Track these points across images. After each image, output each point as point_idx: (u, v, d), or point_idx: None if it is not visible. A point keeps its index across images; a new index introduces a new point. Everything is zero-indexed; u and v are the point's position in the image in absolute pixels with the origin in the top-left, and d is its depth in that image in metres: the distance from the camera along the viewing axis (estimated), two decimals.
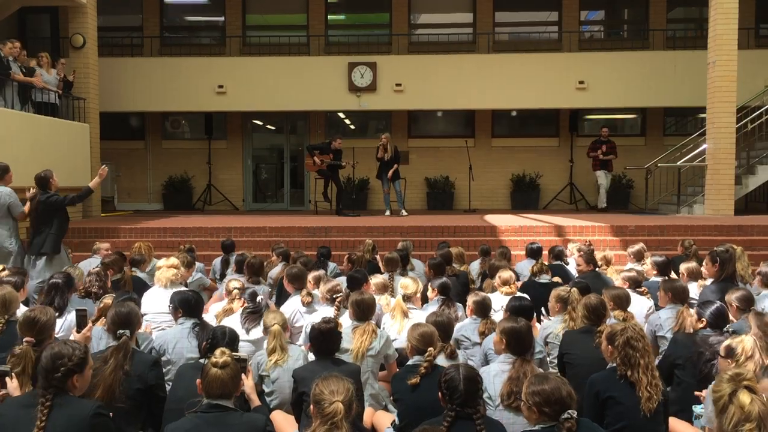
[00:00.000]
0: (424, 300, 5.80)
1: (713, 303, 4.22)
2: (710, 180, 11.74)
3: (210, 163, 15.30)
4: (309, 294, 5.42)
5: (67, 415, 2.81)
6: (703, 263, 5.96)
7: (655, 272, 6.19)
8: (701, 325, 4.19)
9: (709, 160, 11.77)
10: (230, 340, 3.77)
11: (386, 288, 5.90)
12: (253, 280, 6.30)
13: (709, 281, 5.78)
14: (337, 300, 5.05)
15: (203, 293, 6.53)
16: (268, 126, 16.61)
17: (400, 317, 5.09)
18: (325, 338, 3.90)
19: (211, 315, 5.34)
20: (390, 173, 12.30)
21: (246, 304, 4.97)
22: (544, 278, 6.33)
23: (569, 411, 2.74)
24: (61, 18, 14.33)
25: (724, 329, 3.98)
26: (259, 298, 4.93)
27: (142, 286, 6.08)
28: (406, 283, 5.42)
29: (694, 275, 5.97)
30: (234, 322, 4.83)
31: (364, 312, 4.49)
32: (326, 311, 5.10)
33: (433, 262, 6.62)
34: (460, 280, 6.87)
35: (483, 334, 4.63)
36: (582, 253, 7.65)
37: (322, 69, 14.26)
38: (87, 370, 3.00)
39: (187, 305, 4.51)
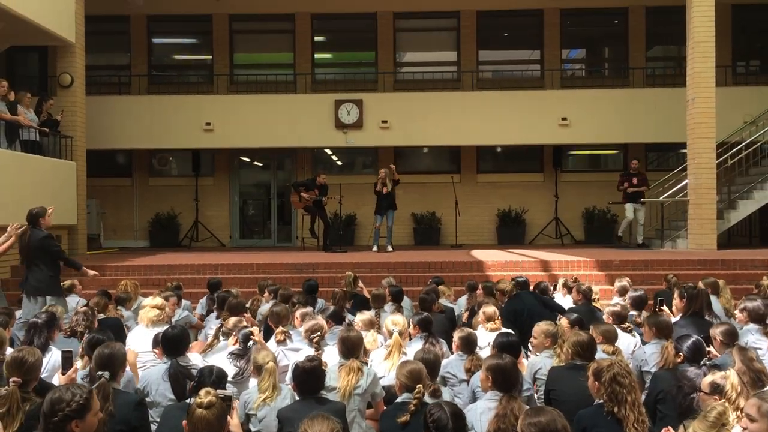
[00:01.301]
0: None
1: (690, 337, 4.25)
2: (693, 214, 11.89)
3: (197, 199, 15.30)
4: (283, 332, 5.39)
5: None
6: (673, 299, 6.08)
7: (630, 307, 6.24)
8: (679, 360, 4.22)
9: (691, 195, 11.94)
10: (217, 378, 3.74)
11: (373, 324, 5.88)
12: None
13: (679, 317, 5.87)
14: (314, 340, 5.00)
15: (189, 331, 6.47)
16: (255, 162, 16.66)
17: (395, 355, 5.05)
18: (309, 377, 3.87)
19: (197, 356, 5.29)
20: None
21: (237, 344, 4.93)
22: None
23: None
24: (50, 57, 14.43)
25: (702, 363, 4.01)
26: (249, 343, 4.87)
27: (118, 327, 6.02)
28: (397, 320, 5.39)
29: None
30: (220, 360, 4.79)
31: (350, 349, 4.47)
32: (310, 350, 5.07)
33: (420, 297, 6.63)
34: (447, 315, 6.87)
35: (469, 371, 4.62)
36: (575, 286, 7.69)
37: (309, 106, 14.40)
38: (89, 417, 2.95)
39: (168, 344, 4.47)
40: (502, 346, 4.48)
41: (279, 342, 5.31)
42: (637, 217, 13.03)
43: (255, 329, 5.22)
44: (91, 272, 7.29)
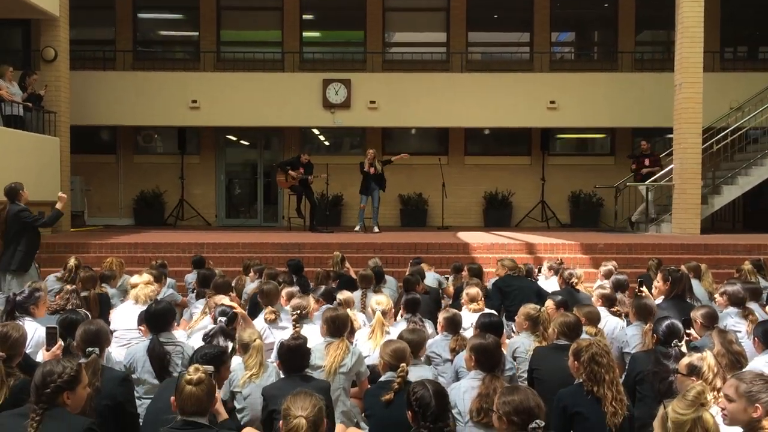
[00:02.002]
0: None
1: (666, 320, 4.33)
2: (677, 199, 12.00)
3: (183, 178, 15.22)
4: (272, 312, 5.42)
5: (58, 428, 2.91)
6: (655, 281, 6.18)
7: (610, 290, 6.33)
8: (654, 342, 4.30)
9: (676, 180, 12.05)
10: (212, 357, 3.77)
11: (350, 304, 5.93)
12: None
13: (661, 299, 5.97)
14: (294, 318, 5.04)
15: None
16: (242, 141, 16.57)
17: (379, 334, 5.10)
18: (293, 355, 3.91)
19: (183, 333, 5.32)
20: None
21: (219, 323, 4.92)
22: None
23: (537, 420, 2.81)
24: (33, 31, 14.19)
25: (672, 344, 4.08)
26: (221, 319, 4.87)
27: (106, 304, 6.03)
28: (381, 300, 5.45)
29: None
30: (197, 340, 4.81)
31: (339, 328, 4.51)
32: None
33: (405, 279, 6.68)
34: (432, 296, 6.93)
35: (454, 351, 4.68)
36: (552, 270, 7.80)
37: (297, 85, 14.32)
38: (80, 389, 3.09)
39: (152, 320, 4.48)
40: (485, 326, 4.54)
41: (270, 321, 5.35)
42: (648, 199, 13.01)
43: (234, 304, 5.24)
44: (63, 196, 7.40)
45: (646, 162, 13.20)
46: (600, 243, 10.12)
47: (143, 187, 15.28)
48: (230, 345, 4.49)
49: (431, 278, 7.66)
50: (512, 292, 6.70)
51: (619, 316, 5.66)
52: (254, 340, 4.25)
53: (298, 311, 5.08)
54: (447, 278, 7.83)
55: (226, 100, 14.20)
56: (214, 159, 15.69)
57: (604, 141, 16.25)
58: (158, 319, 4.47)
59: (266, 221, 15.73)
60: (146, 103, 14.12)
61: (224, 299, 5.50)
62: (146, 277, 5.81)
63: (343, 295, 5.91)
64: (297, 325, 4.96)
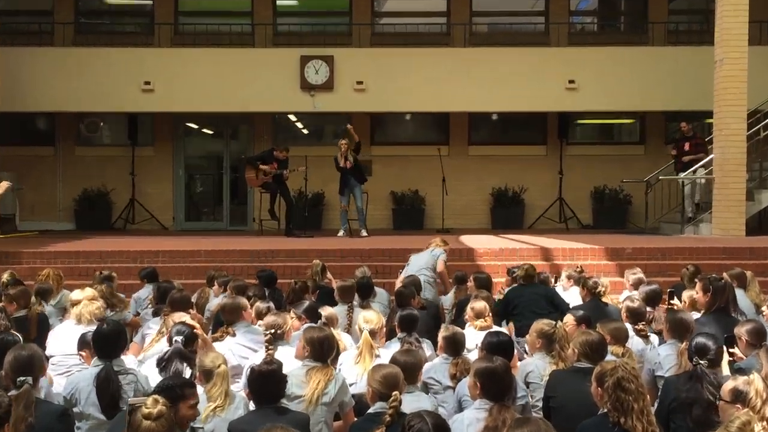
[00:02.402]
0: (390, 336, 5.84)
1: (701, 336, 4.34)
2: (718, 195, 12.05)
3: (134, 173, 15.16)
4: (225, 331, 5.45)
5: None
6: (691, 292, 6.19)
7: (641, 302, 6.35)
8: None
9: (716, 172, 12.10)
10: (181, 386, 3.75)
11: (335, 321, 5.92)
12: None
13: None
14: (266, 339, 5.03)
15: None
16: (205, 130, 16.51)
17: (367, 357, 5.09)
18: (266, 382, 3.90)
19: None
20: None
21: (176, 344, 4.90)
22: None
23: None
24: None
25: (694, 362, 4.09)
26: (178, 338, 4.86)
27: (44, 325, 6.00)
28: (369, 317, 5.43)
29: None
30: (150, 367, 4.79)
31: (325, 352, 4.51)
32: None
33: (398, 291, 6.68)
34: (430, 312, 6.93)
35: (455, 377, 4.68)
36: (581, 279, 7.79)
37: (270, 63, 14.29)
38: (6, 429, 3.05)
39: (101, 343, 4.46)
40: (492, 346, 4.54)
41: (216, 339, 5.37)
42: (684, 193, 12.96)
43: (194, 323, 5.22)
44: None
45: (686, 147, 13.12)
46: (628, 247, 10.14)
47: (86, 184, 15.21)
48: (189, 370, 4.47)
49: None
50: (520, 303, 6.76)
51: (645, 336, 5.66)
52: (218, 366, 4.23)
53: (272, 330, 5.06)
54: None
55: (186, 80, 14.16)
56: (171, 151, 15.64)
57: (632, 127, 16.30)
58: (108, 342, 4.45)
59: (234, 225, 15.69)
60: (90, 86, 14.05)
61: (184, 317, 5.49)
62: (89, 292, 5.76)
63: (325, 311, 5.89)
64: (270, 347, 4.95)
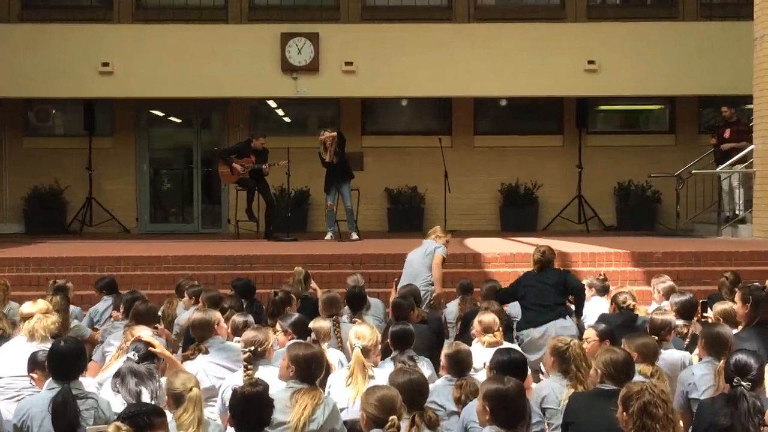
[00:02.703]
0: (387, 353, 5.85)
1: (737, 354, 4.34)
2: (759, 191, 12.08)
3: (91, 168, 15.13)
4: (197, 348, 5.47)
5: None
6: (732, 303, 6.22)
7: (674, 315, 6.38)
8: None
9: (757, 165, 12.13)
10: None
11: (326, 336, 5.92)
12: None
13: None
14: (244, 357, 5.03)
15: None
16: (172, 118, 16.48)
17: (359, 378, 5.09)
18: (250, 406, 3.90)
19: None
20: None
21: (127, 361, 4.88)
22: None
23: None
24: None
25: (734, 382, 4.10)
26: (131, 354, 4.85)
27: None
28: (362, 332, 5.42)
29: (732, 319, 6.16)
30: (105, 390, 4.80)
31: (314, 372, 4.53)
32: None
33: (394, 302, 6.68)
34: (432, 326, 6.94)
35: (460, 401, 4.68)
36: (594, 288, 7.83)
37: (246, 42, 14.27)
38: None
39: (58, 363, 4.45)
40: (503, 365, 4.55)
41: (186, 357, 5.37)
42: (731, 185, 12.97)
43: (154, 340, 5.22)
44: None
45: (727, 134, 13.03)
46: (657, 252, 10.16)
47: (37, 181, 15.17)
48: (144, 391, 4.49)
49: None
50: (528, 293, 7.01)
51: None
52: (189, 389, 4.24)
53: (252, 348, 5.06)
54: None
55: (150, 62, 14.12)
56: (133, 143, 15.61)
57: (660, 114, 16.34)
58: (67, 361, 4.46)
59: (206, 227, 15.69)
60: (40, 67, 14.00)
61: (144, 331, 5.50)
62: (42, 304, 5.75)
63: (315, 323, 5.90)
64: (249, 366, 4.95)
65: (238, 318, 6.00)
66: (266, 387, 4.04)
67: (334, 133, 12.62)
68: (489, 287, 7.70)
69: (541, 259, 7.32)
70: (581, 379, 4.74)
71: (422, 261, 8.43)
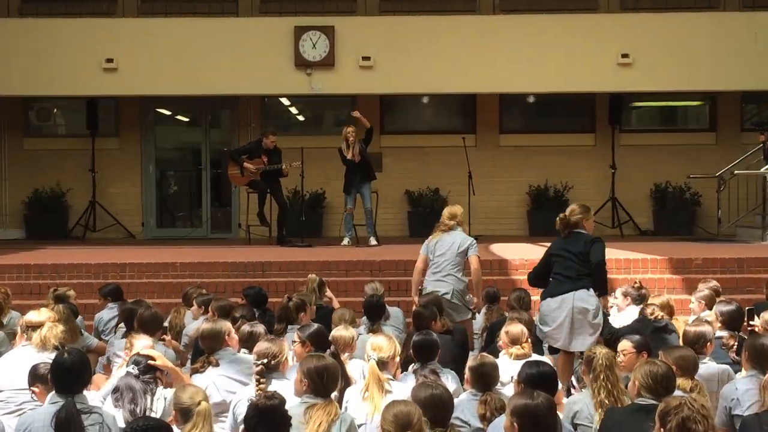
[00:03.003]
0: (406, 365, 5.86)
1: None
2: None
3: (94, 170, 15.21)
4: (206, 361, 5.50)
5: None
6: None
7: (720, 325, 6.34)
8: None
9: None
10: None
11: (349, 345, 5.94)
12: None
13: None
14: (256, 370, 5.05)
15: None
16: (180, 117, 16.56)
17: (375, 393, 5.10)
18: (265, 421, 3.91)
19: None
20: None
21: (126, 376, 4.91)
22: None
23: None
24: None
25: None
26: (131, 368, 4.88)
27: None
28: (379, 343, 5.43)
29: None
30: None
31: (327, 385, 4.54)
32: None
33: (415, 312, 6.68)
34: (457, 337, 6.94)
35: (485, 418, 4.68)
36: (629, 297, 7.80)
37: (257, 36, 14.30)
38: None
39: (62, 376, 4.48)
40: (532, 379, 4.54)
41: (196, 370, 5.38)
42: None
43: (155, 352, 5.25)
44: None
45: None
46: (697, 258, 10.13)
47: (38, 184, 15.27)
48: (137, 409, 4.51)
49: None
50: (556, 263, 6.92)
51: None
52: (198, 403, 4.26)
53: (265, 360, 5.08)
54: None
55: (156, 57, 14.18)
56: (139, 143, 15.69)
57: (701, 111, 16.24)
58: (71, 374, 4.48)
59: (216, 232, 15.73)
60: (41, 64, 14.10)
61: (143, 341, 5.54)
62: (46, 313, 5.79)
63: (336, 332, 5.93)
64: (262, 380, 4.97)
65: (245, 327, 6.02)
66: (283, 401, 4.05)
67: (353, 128, 12.60)
68: (516, 296, 7.69)
69: (563, 222, 7.02)
70: (614, 391, 4.72)
71: (453, 250, 8.07)
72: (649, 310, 6.89)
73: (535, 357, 5.72)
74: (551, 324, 6.66)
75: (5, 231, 15.39)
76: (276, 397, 4.03)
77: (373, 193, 13.02)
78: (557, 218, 7.06)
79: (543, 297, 6.95)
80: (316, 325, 6.13)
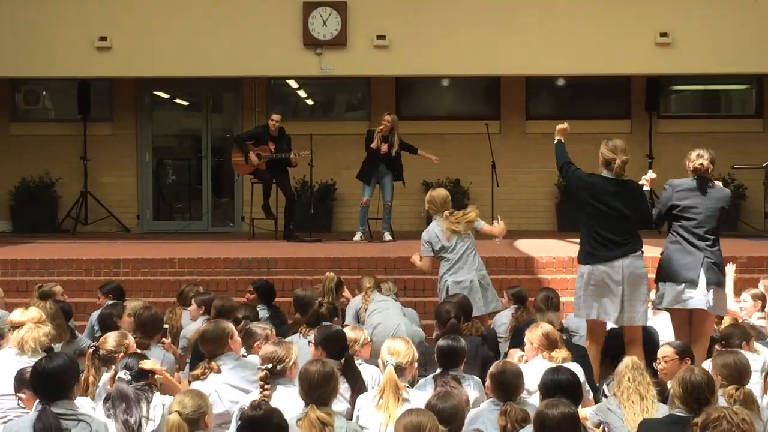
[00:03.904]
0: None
1: None
2: None
3: (86, 158, 15.26)
4: (207, 367, 5.51)
5: None
6: None
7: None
8: None
9: None
10: None
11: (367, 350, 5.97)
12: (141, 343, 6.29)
13: None
14: (260, 375, 5.07)
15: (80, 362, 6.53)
16: (179, 101, 16.59)
17: (391, 401, 5.10)
18: None
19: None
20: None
21: (118, 382, 4.94)
22: None
23: None
24: None
25: None
26: (122, 374, 4.90)
27: None
28: (396, 347, 5.44)
29: None
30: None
31: (311, 392, 4.58)
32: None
33: (437, 310, 6.69)
34: (489, 340, 6.96)
35: (505, 430, 4.67)
36: None
37: (263, 12, 14.29)
38: None
39: (43, 382, 4.52)
40: (551, 385, 4.56)
41: (196, 377, 5.41)
42: None
43: (151, 361, 5.27)
44: None
45: None
46: (741, 256, 10.09)
47: (25, 172, 15.35)
48: (130, 419, 4.53)
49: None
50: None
51: None
52: (171, 413, 4.30)
53: (269, 365, 5.10)
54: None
55: (153, 36, 14.20)
56: (134, 129, 15.74)
57: (746, 96, 16.16)
58: (52, 380, 4.50)
59: (217, 225, 15.79)
60: (28, 43, 14.15)
61: (111, 339, 5.57)
62: (34, 312, 5.82)
63: (354, 332, 5.95)
64: (266, 385, 4.99)
65: (256, 329, 6.04)
66: (273, 411, 4.08)
67: (392, 117, 12.66)
68: (544, 296, 7.68)
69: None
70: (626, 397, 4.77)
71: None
72: None
73: (562, 364, 5.72)
74: (607, 296, 6.66)
75: None
76: (260, 407, 4.06)
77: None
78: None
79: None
80: (336, 327, 6.16)
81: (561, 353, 5.78)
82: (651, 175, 7.43)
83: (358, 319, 7.49)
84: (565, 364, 5.49)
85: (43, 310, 6.33)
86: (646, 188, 7.16)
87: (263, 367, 5.10)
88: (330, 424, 4.43)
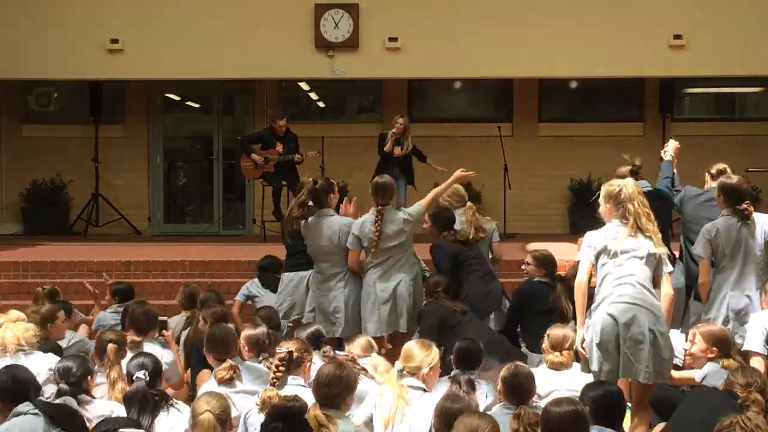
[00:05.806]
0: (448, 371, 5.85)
1: None
2: None
3: (97, 160, 15.30)
4: (231, 367, 5.43)
5: None
6: None
7: None
8: None
9: None
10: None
11: (373, 347, 5.95)
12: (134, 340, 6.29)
13: None
14: (274, 370, 5.05)
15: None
16: (190, 103, 16.61)
17: (396, 404, 5.09)
18: (289, 428, 3.94)
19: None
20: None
21: (137, 381, 4.93)
22: None
23: None
24: None
25: None
26: (141, 374, 4.90)
27: None
28: (409, 351, 5.42)
29: None
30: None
31: (326, 391, 4.59)
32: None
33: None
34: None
35: None
36: None
37: (275, 15, 14.30)
38: None
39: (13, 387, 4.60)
40: (600, 400, 4.55)
41: (223, 382, 5.38)
42: None
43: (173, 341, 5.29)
44: None
45: None
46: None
47: (37, 174, 15.39)
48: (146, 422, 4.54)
49: None
50: None
51: None
52: (202, 413, 4.29)
53: (291, 349, 5.12)
54: None
55: (165, 38, 14.22)
56: (146, 131, 15.77)
57: (761, 99, 16.10)
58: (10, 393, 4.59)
59: (228, 228, 15.80)
60: (40, 46, 14.18)
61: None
62: (14, 314, 5.82)
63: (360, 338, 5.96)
64: (281, 367, 4.97)
65: (251, 332, 6.03)
66: (303, 404, 4.08)
67: (404, 120, 12.70)
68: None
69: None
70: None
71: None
72: None
73: (575, 366, 5.69)
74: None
75: (1, 225, 15.53)
76: (297, 400, 4.06)
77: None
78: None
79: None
80: (314, 326, 6.22)
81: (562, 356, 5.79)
82: (674, 143, 7.33)
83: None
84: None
85: (48, 312, 6.35)
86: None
87: (284, 349, 5.08)
88: (326, 426, 4.42)
